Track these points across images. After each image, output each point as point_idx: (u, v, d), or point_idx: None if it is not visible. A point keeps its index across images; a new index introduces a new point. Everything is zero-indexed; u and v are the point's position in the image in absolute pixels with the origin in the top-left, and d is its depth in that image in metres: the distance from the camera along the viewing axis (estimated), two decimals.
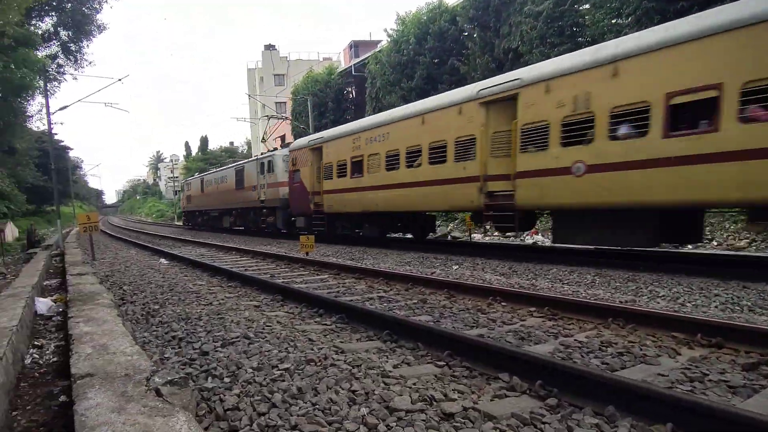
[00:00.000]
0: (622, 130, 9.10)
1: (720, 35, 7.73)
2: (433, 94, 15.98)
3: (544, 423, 3.02)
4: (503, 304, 6.63)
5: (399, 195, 14.69)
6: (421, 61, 26.27)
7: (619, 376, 3.45)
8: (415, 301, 6.95)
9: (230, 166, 32.54)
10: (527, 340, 4.87)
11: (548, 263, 10.60)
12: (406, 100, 23.15)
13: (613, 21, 16.10)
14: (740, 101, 7.47)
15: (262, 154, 26.56)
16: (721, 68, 7.69)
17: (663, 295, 7.04)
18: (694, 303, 6.54)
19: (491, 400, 3.41)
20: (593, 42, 15.50)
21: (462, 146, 12.42)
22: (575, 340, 4.84)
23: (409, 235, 18.01)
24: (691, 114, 8.18)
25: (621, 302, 6.48)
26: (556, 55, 13.54)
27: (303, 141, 21.32)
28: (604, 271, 9.22)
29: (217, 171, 35.70)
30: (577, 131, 9.78)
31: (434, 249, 13.94)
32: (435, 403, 3.32)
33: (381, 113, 17.92)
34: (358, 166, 16.75)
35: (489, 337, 4.88)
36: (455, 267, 10.58)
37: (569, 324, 5.59)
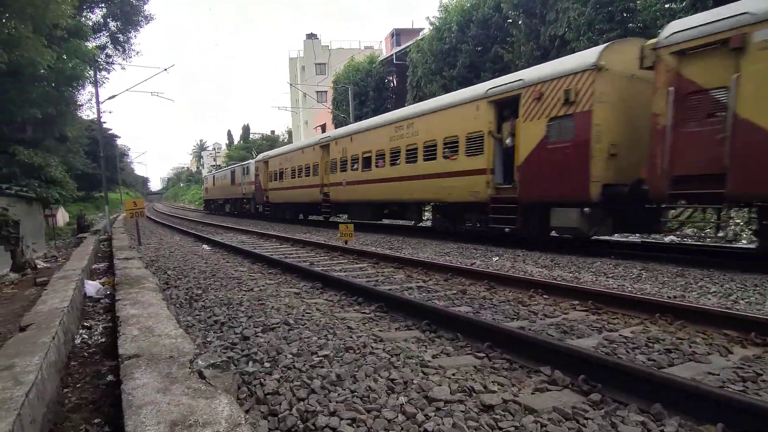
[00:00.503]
0: (354, 166, 19.39)
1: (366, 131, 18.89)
2: (475, 83, 16.12)
3: (586, 419, 2.97)
4: (545, 296, 6.54)
5: (297, 192, 25.29)
6: (463, 49, 25.89)
7: (666, 373, 3.36)
8: (455, 292, 6.92)
9: (228, 167, 45.24)
10: (570, 334, 4.79)
11: (592, 256, 10.38)
12: (448, 89, 22.93)
13: (667, 5, 15.52)
14: (363, 161, 18.71)
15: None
16: (367, 146, 18.43)
17: (714, 291, 6.80)
18: (747, 300, 6.30)
19: (532, 394, 3.37)
20: (645, 28, 15.03)
21: (314, 168, 23.35)
22: (620, 335, 4.73)
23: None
24: (368, 161, 18.23)
25: (669, 297, 6.29)
26: (604, 42, 13.18)
27: (260, 156, 32.93)
28: (651, 266, 8.97)
29: (221, 170, 48.53)
30: (343, 164, 20.30)
31: (474, 240, 13.84)
32: (474, 394, 3.30)
33: (288, 145, 32.27)
34: (282, 175, 27.76)
35: (530, 329, 4.82)
36: (495, 258, 10.48)
37: (614, 319, 5.47)
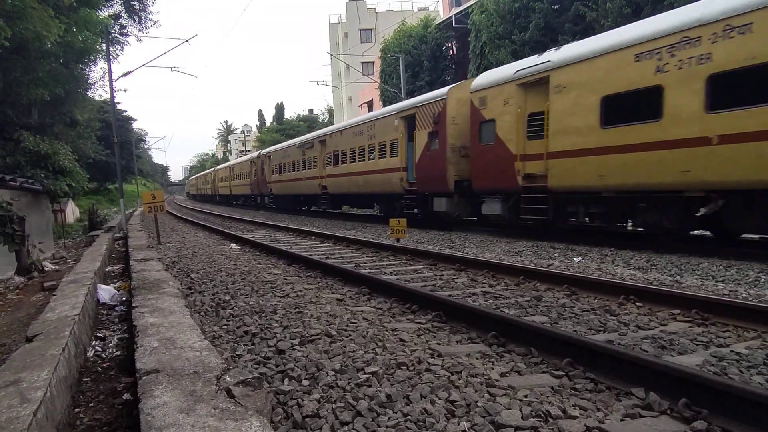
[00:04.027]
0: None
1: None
2: (551, 47, 15.76)
3: None
4: (638, 304, 6.40)
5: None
6: (537, 7, 25.31)
7: None
8: (528, 299, 6.85)
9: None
10: (668, 350, 4.67)
11: (698, 256, 10.07)
12: (518, 56, 22.56)
13: None
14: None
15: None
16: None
17: None
18: None
19: (621, 420, 3.31)
20: None
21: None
22: (732, 351, 4.58)
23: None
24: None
25: None
26: None
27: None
28: None
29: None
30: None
31: (551, 237, 13.64)
32: (551, 420, 3.26)
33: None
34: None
35: (620, 343, 4.74)
36: (578, 258, 10.31)
37: (724, 331, 5.30)
